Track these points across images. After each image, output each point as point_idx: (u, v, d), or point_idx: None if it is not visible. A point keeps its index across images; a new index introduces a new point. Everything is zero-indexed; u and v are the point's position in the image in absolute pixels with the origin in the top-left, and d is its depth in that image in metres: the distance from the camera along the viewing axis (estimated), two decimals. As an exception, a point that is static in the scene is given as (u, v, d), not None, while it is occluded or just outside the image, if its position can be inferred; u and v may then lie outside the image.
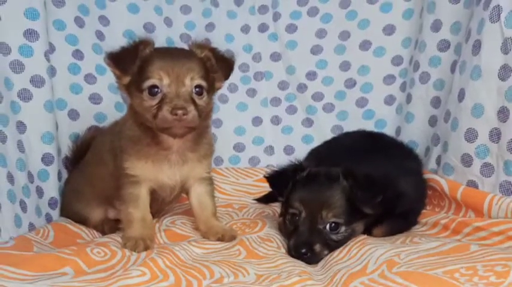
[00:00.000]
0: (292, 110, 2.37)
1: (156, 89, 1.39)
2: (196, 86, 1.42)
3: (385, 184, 1.52)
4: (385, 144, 1.93)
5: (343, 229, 1.51)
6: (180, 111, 1.35)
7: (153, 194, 1.58)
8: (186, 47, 1.55)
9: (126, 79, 1.45)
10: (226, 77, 1.56)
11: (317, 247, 1.47)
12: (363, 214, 1.53)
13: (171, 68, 1.39)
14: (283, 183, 1.62)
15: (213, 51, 1.51)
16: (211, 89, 1.50)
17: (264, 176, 1.75)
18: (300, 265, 1.37)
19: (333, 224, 1.49)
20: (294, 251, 1.47)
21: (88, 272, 1.24)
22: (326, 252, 1.47)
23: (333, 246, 1.48)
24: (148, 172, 1.52)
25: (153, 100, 1.40)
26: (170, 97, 1.38)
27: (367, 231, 1.58)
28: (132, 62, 1.42)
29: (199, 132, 1.55)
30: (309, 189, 1.55)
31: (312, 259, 1.46)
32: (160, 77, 1.38)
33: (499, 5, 1.52)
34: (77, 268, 1.25)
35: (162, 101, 1.38)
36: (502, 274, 1.07)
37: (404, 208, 1.63)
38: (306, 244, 1.46)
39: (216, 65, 1.49)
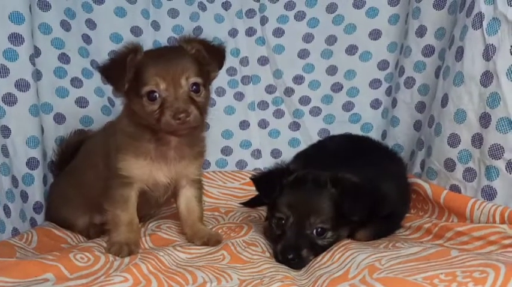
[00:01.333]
0: (279, 113, 2.39)
1: (154, 94, 1.40)
2: (192, 84, 1.42)
3: (372, 193, 1.53)
4: (369, 147, 1.95)
5: (329, 234, 1.51)
6: (182, 115, 1.37)
7: (145, 196, 1.58)
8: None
9: (123, 90, 1.46)
10: (220, 66, 1.55)
11: (304, 252, 1.47)
12: (348, 220, 1.54)
13: (165, 71, 1.40)
14: (270, 186, 1.61)
15: (203, 43, 1.51)
16: (207, 82, 1.51)
17: (251, 179, 1.76)
18: (283, 270, 1.38)
19: (320, 230, 1.50)
20: (281, 256, 1.47)
21: (70, 278, 1.24)
22: (312, 257, 1.48)
23: (319, 251, 1.49)
24: (145, 170, 1.52)
25: (154, 105, 1.41)
26: (170, 101, 1.39)
27: (351, 234, 1.59)
28: (122, 76, 1.42)
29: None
30: (297, 194, 1.55)
31: (298, 264, 1.46)
32: (156, 83, 1.39)
33: (481, 12, 1.54)
34: (58, 274, 1.24)
35: (162, 106, 1.39)
36: (480, 281, 1.07)
37: (387, 212, 1.64)
38: (293, 249, 1.47)
39: (209, 57, 1.49)
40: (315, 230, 1.50)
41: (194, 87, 1.43)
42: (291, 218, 1.52)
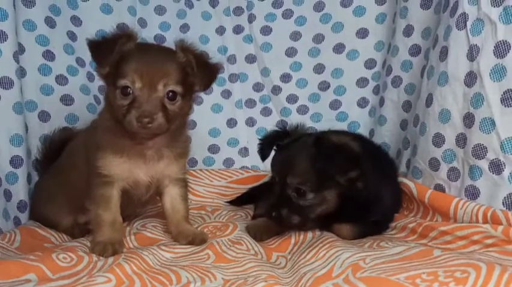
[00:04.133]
0: (266, 112, 2.39)
1: (128, 89, 1.38)
2: (169, 92, 1.40)
3: (349, 153, 1.52)
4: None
5: (311, 195, 1.52)
6: (145, 120, 1.35)
7: (128, 194, 1.57)
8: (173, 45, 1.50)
9: (105, 70, 1.43)
10: (205, 88, 1.53)
11: (284, 212, 1.51)
12: (334, 182, 1.52)
13: (146, 72, 1.37)
14: (265, 148, 1.70)
15: (197, 58, 1.47)
16: (189, 92, 1.48)
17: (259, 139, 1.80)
18: (267, 269, 1.38)
19: (299, 190, 1.52)
20: (268, 213, 1.55)
21: (52, 279, 1.23)
22: (296, 218, 1.51)
23: (303, 212, 1.52)
24: (123, 169, 1.50)
25: (125, 100, 1.39)
26: (140, 101, 1.37)
27: (332, 229, 1.63)
28: (108, 55, 1.40)
29: (176, 130, 1.54)
30: (282, 156, 1.61)
31: (280, 222, 1.54)
32: (133, 80, 1.37)
33: (465, 13, 1.54)
34: (41, 274, 1.23)
35: (132, 104, 1.37)
36: (461, 280, 1.08)
37: (379, 216, 1.67)
38: (275, 207, 1.53)
39: (197, 74, 1.46)
40: (293, 191, 1.52)
41: (170, 94, 1.41)
42: (276, 178, 1.56)
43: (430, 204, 1.66)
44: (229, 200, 2.17)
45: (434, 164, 1.69)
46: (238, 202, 2.13)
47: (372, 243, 1.51)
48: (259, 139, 1.77)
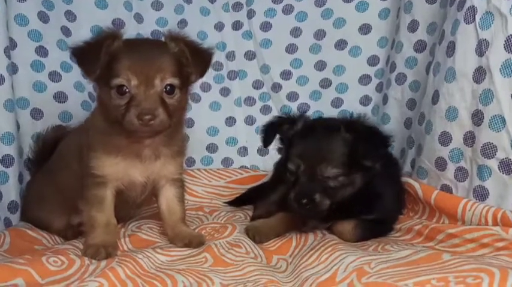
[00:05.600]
0: (266, 110, 2.34)
1: (124, 88, 1.33)
2: (167, 85, 1.36)
3: (386, 137, 1.55)
4: None
5: (341, 178, 1.51)
6: (146, 117, 1.30)
7: (123, 196, 1.52)
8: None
9: (94, 75, 1.37)
10: (201, 74, 1.48)
11: (317, 197, 1.49)
12: (362, 166, 1.53)
13: (140, 68, 1.32)
14: (270, 135, 1.65)
15: (189, 45, 1.43)
16: (186, 84, 1.43)
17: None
18: (267, 274, 1.32)
19: (332, 175, 1.51)
20: (295, 203, 1.49)
21: (41, 284, 1.18)
22: (327, 202, 1.49)
23: (332, 195, 1.51)
24: (118, 169, 1.45)
25: (122, 100, 1.34)
26: (138, 99, 1.32)
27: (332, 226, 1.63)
28: (95, 62, 1.34)
29: (174, 127, 1.48)
30: (306, 142, 1.55)
31: (313, 209, 1.50)
32: (128, 78, 1.32)
33: (473, 6, 1.49)
34: (29, 279, 1.18)
35: (130, 103, 1.32)
36: (474, 286, 1.03)
37: (382, 216, 1.62)
38: (305, 194, 1.49)
39: (191, 61, 1.42)
40: (326, 175, 1.51)
41: (168, 88, 1.36)
42: (302, 166, 1.52)
43: (437, 205, 1.61)
44: (227, 200, 2.12)
45: (440, 164, 1.63)
46: (237, 202, 2.08)
47: (377, 246, 1.47)
48: (264, 125, 1.71)
